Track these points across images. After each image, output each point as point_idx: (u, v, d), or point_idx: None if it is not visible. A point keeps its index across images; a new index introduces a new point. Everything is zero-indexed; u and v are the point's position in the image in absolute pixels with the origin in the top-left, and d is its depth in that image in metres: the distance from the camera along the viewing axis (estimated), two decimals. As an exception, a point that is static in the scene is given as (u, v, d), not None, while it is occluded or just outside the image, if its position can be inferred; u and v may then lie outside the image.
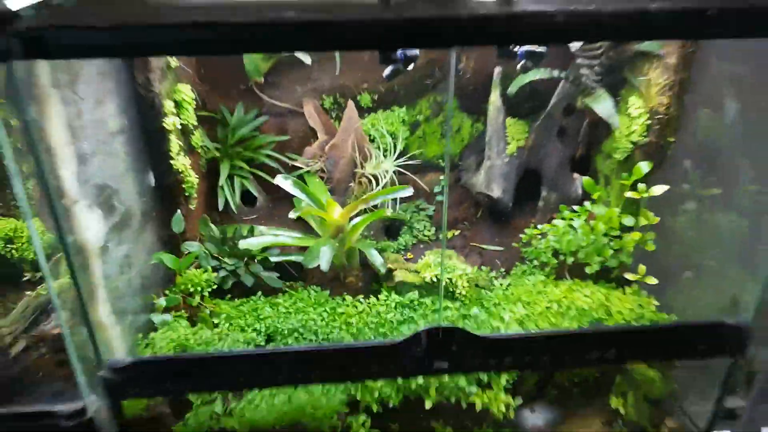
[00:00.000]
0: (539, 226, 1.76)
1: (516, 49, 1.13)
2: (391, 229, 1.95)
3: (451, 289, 1.59)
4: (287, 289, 1.69)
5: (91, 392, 1.28)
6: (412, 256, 1.81)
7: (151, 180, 1.59)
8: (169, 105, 1.54)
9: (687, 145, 1.55)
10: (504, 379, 1.45)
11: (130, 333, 1.44)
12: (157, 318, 1.50)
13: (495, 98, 1.85)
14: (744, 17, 0.92)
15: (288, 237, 1.64)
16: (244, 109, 1.92)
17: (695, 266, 1.63)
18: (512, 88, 1.76)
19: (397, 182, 1.91)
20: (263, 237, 1.60)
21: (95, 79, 1.35)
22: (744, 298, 1.37)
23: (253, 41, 0.95)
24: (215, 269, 1.64)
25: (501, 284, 1.73)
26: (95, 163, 1.32)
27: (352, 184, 1.88)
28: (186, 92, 1.65)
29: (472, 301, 1.60)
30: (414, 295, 1.60)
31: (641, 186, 1.58)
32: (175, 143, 1.57)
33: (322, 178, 1.84)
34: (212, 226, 1.70)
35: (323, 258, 1.43)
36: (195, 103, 1.70)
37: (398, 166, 1.90)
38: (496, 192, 1.86)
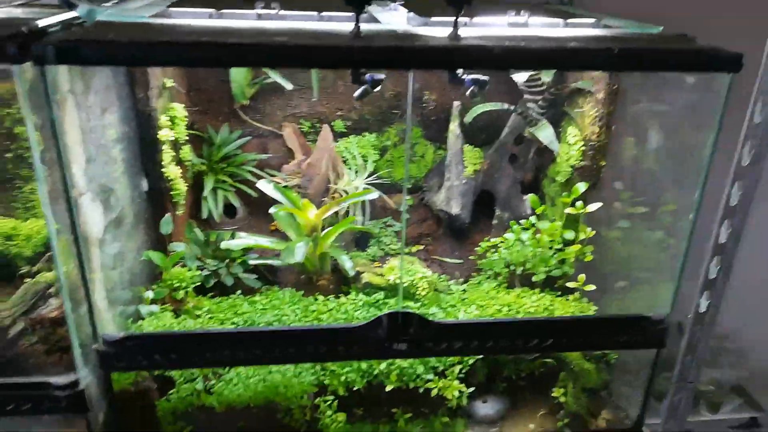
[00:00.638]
0: (492, 239, 1.98)
1: (464, 77, 1.36)
2: (360, 241, 2.14)
3: (412, 291, 1.78)
4: (264, 291, 1.86)
5: (85, 366, 1.42)
6: (379, 264, 2.00)
7: (144, 185, 1.77)
8: (163, 120, 1.73)
9: (616, 169, 1.80)
10: (457, 369, 1.63)
11: (121, 320, 1.59)
12: (144, 309, 1.65)
13: (454, 127, 2.09)
14: (637, 56, 1.17)
15: (267, 241, 1.82)
16: (229, 129, 2.12)
17: (627, 275, 1.85)
18: (468, 117, 2.01)
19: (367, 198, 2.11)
20: (244, 239, 1.78)
21: (102, 92, 1.54)
22: (665, 296, 1.57)
23: (247, 59, 1.17)
24: (199, 269, 1.81)
25: (458, 289, 1.92)
26: (98, 164, 1.50)
27: (325, 198, 2.08)
28: (178, 110, 1.84)
29: (431, 301, 1.78)
30: (380, 295, 1.79)
31: (579, 204, 1.82)
32: (167, 154, 1.76)
33: (299, 192, 2.03)
34: (197, 230, 1.87)
35: (298, 251, 1.62)
36: (186, 120, 1.89)
37: (368, 184, 2.10)
38: (454, 209, 2.08)
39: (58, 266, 1.31)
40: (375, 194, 1.89)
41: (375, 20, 1.45)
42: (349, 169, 2.13)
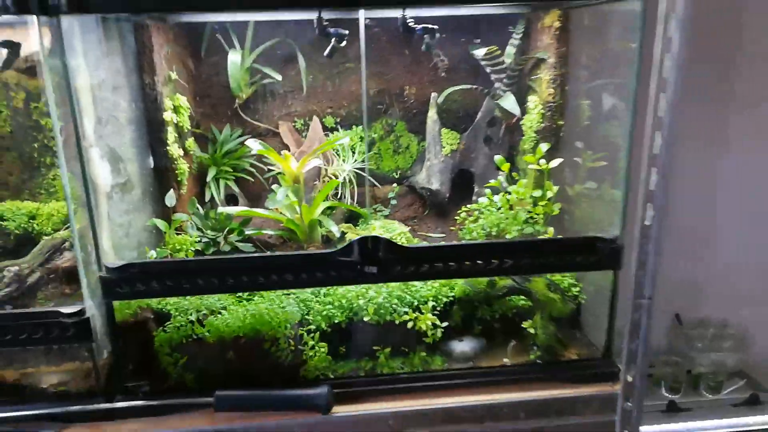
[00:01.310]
0: (468, 206, 2.14)
1: (415, 27, 1.59)
2: (350, 220, 2.32)
3: (391, 245, 1.93)
4: (259, 259, 2.03)
5: (91, 298, 1.60)
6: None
7: (151, 162, 2.00)
8: (168, 103, 1.99)
9: (573, 127, 1.97)
10: (431, 304, 1.75)
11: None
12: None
13: (432, 114, 2.30)
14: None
15: (262, 211, 2.01)
16: (231, 129, 2.37)
17: (586, 219, 1.97)
18: (440, 99, 2.22)
19: (356, 185, 2.31)
20: (240, 207, 1.98)
21: (113, 72, 1.80)
22: (615, 221, 1.70)
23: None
24: (199, 238, 2.00)
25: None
26: (108, 129, 1.74)
27: (317, 182, 2.28)
28: (182, 101, 2.10)
29: (410, 255, 1.92)
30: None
31: (542, 162, 1.98)
32: (171, 134, 2.00)
33: (292, 177, 2.24)
34: (198, 206, 2.08)
35: (280, 195, 1.81)
36: (189, 114, 2.15)
37: (356, 169, 2.31)
38: (434, 185, 2.25)
39: (68, 200, 1.52)
40: (346, 140, 2.10)
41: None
42: (338, 156, 2.34)
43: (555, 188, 1.98)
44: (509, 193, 2.05)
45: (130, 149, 1.89)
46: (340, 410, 1.66)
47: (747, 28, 2.35)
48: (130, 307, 1.66)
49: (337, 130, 2.43)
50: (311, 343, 1.69)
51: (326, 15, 1.75)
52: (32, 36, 1.41)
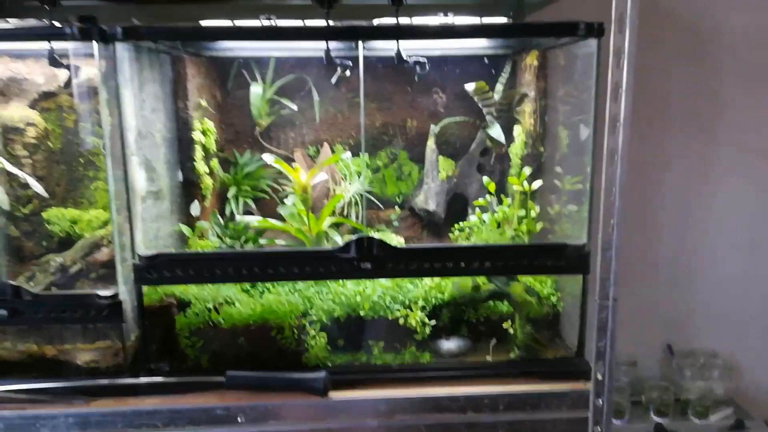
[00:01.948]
0: (460, 223, 2.37)
1: (407, 59, 1.87)
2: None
3: (388, 253, 2.16)
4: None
5: (124, 284, 1.85)
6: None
7: (180, 176, 2.27)
8: (197, 125, 2.28)
9: (551, 153, 2.22)
10: (421, 302, 1.96)
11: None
12: (173, 262, 2.08)
13: (431, 143, 2.57)
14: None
15: (276, 222, 2.27)
16: (251, 153, 2.66)
17: (566, 238, 2.18)
18: (437, 129, 2.49)
19: (361, 206, 2.56)
20: (256, 217, 2.23)
21: (152, 96, 2.10)
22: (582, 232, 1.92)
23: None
24: (219, 245, 2.25)
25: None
26: (145, 143, 2.02)
27: (326, 200, 2.53)
28: (210, 125, 2.40)
29: (405, 264, 2.15)
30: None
31: (525, 184, 2.22)
32: (198, 152, 2.29)
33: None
34: (219, 217, 2.34)
35: (289, 200, 2.07)
36: (215, 138, 2.44)
37: (361, 192, 2.56)
38: (431, 206, 2.50)
39: (111, 194, 1.79)
40: (348, 154, 2.37)
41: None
42: (345, 179, 2.61)
43: (537, 208, 2.21)
44: (496, 212, 2.28)
45: (163, 163, 2.17)
46: (336, 395, 1.86)
47: (715, 60, 2.64)
48: (157, 293, 1.90)
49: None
50: (312, 333, 1.91)
51: (336, 52, 2.05)
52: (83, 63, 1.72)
